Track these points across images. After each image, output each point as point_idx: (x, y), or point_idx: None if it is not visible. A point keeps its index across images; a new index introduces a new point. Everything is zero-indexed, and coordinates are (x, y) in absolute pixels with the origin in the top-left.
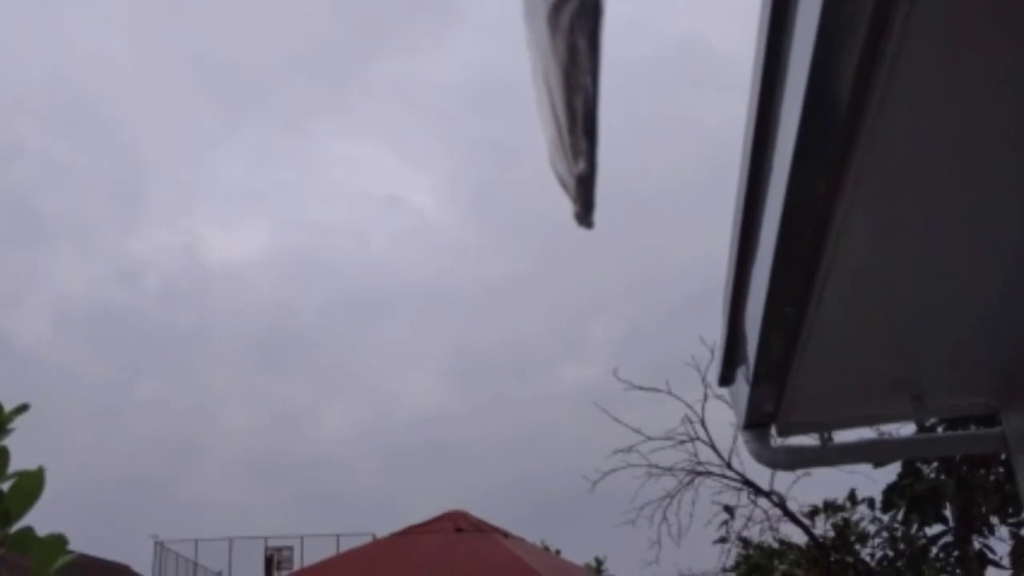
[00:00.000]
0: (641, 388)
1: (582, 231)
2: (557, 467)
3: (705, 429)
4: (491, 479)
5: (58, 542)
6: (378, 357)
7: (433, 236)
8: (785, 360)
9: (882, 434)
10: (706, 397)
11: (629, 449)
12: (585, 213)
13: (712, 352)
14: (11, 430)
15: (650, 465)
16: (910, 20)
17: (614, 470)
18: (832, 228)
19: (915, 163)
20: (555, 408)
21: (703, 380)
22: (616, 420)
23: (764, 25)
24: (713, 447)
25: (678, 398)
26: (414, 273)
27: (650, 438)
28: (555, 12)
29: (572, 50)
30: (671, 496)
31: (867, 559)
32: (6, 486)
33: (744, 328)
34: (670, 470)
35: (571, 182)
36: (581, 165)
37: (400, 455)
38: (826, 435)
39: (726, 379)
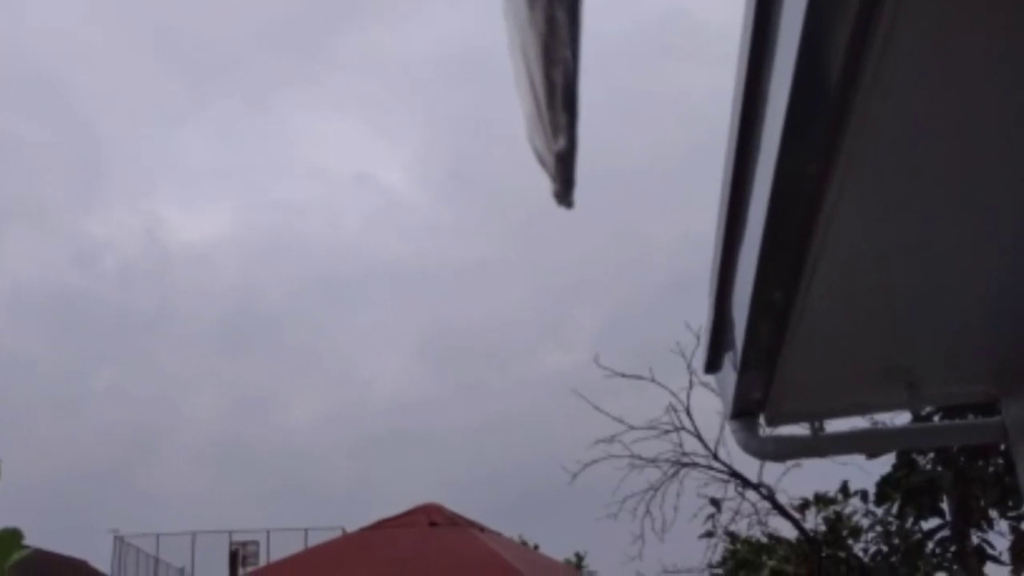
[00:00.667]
0: (624, 375)
1: (562, 210)
2: (536, 458)
3: (690, 418)
4: (467, 470)
5: (13, 537)
6: (349, 342)
7: (406, 215)
8: (774, 346)
9: (876, 423)
10: (691, 385)
11: (611, 439)
12: (565, 192)
13: (698, 338)
14: None
15: (633, 456)
16: None
17: (595, 461)
18: (823, 210)
19: (909, 145)
20: (534, 396)
21: (688, 367)
22: (597, 409)
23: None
24: (699, 437)
25: (662, 386)
26: (386, 253)
27: (633, 427)
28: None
29: (551, 22)
30: (655, 488)
31: (860, 554)
32: None
33: (731, 313)
34: (654, 461)
35: (550, 159)
36: (560, 141)
37: (371, 444)
38: (817, 424)
39: (712, 366)
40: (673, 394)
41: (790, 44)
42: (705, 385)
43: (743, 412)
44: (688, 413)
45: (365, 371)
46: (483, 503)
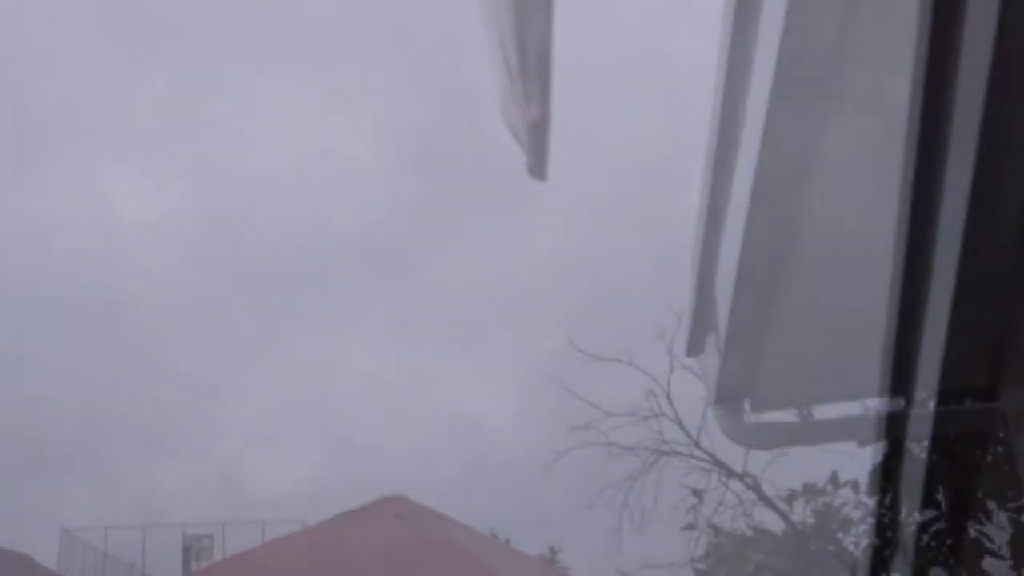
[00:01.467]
0: (601, 359)
1: (537, 185)
2: (508, 447)
3: (671, 404)
4: (435, 460)
5: None
6: (310, 322)
7: (368, 188)
8: (759, 325)
9: (867, 410)
10: (672, 369)
11: (587, 426)
12: (538, 164)
13: (679, 320)
14: None
15: (610, 444)
16: None
17: (571, 450)
18: (808, 187)
19: (894, 117)
20: (505, 380)
21: (669, 351)
22: (573, 394)
23: None
24: (680, 424)
25: (641, 370)
26: (348, 229)
27: (611, 414)
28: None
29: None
30: (633, 478)
31: (851, 548)
32: None
33: (714, 290)
34: (632, 450)
35: (523, 130)
36: (533, 110)
37: (335, 430)
38: (805, 411)
39: (694, 347)
40: (653, 379)
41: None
42: (687, 369)
43: (727, 397)
44: (669, 399)
45: (327, 353)
46: (452, 495)
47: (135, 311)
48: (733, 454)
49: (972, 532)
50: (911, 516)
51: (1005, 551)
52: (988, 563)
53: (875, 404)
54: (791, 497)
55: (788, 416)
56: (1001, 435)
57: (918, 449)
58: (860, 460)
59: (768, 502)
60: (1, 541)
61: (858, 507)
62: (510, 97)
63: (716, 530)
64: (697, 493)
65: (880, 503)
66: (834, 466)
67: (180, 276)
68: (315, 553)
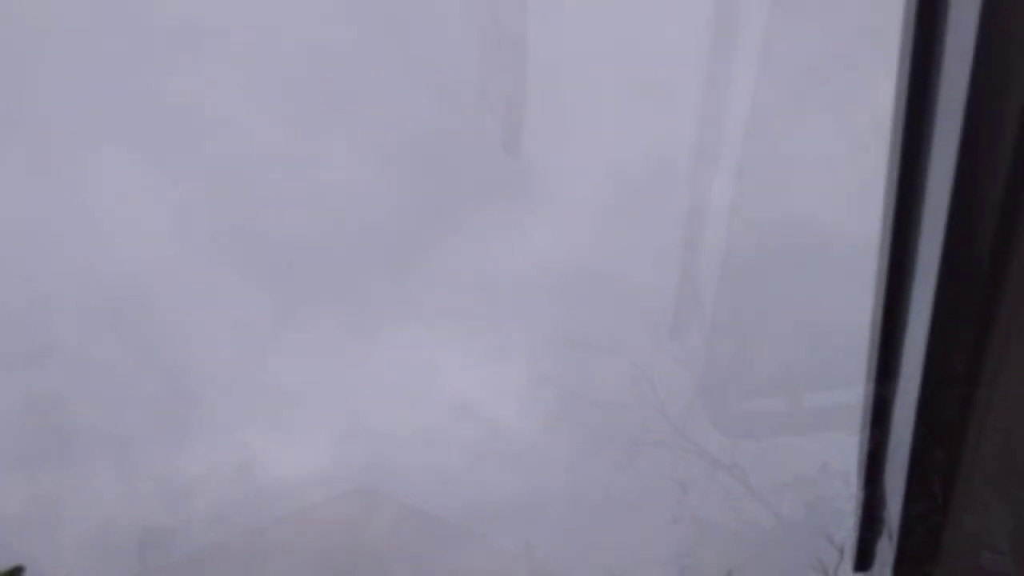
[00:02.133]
0: (585, 346)
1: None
2: (483, 432)
3: (655, 392)
4: (404, 449)
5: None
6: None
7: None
8: (746, 311)
9: (855, 397)
10: (656, 356)
11: (568, 416)
12: (512, 138)
13: (664, 305)
14: None
15: (592, 434)
16: None
17: (551, 440)
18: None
19: None
20: (504, 371)
21: (654, 337)
22: (554, 382)
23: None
24: (664, 413)
25: (624, 358)
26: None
27: (593, 403)
28: None
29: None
30: (615, 470)
31: (841, 540)
32: None
33: (700, 274)
34: (614, 440)
35: (500, 104)
36: (508, 82)
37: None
38: (794, 399)
39: (679, 331)
40: (636, 366)
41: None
42: (673, 357)
43: (714, 384)
44: (652, 387)
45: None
46: (423, 486)
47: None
48: (720, 444)
49: (964, 522)
50: (900, 506)
51: (1004, 546)
52: (986, 558)
53: (863, 391)
54: (780, 489)
55: (777, 404)
56: (988, 421)
57: (906, 436)
58: (850, 450)
59: (756, 494)
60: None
61: (849, 499)
62: (489, 71)
63: (702, 523)
64: (683, 485)
65: (870, 494)
66: (824, 456)
67: (199, 273)
68: (280, 547)
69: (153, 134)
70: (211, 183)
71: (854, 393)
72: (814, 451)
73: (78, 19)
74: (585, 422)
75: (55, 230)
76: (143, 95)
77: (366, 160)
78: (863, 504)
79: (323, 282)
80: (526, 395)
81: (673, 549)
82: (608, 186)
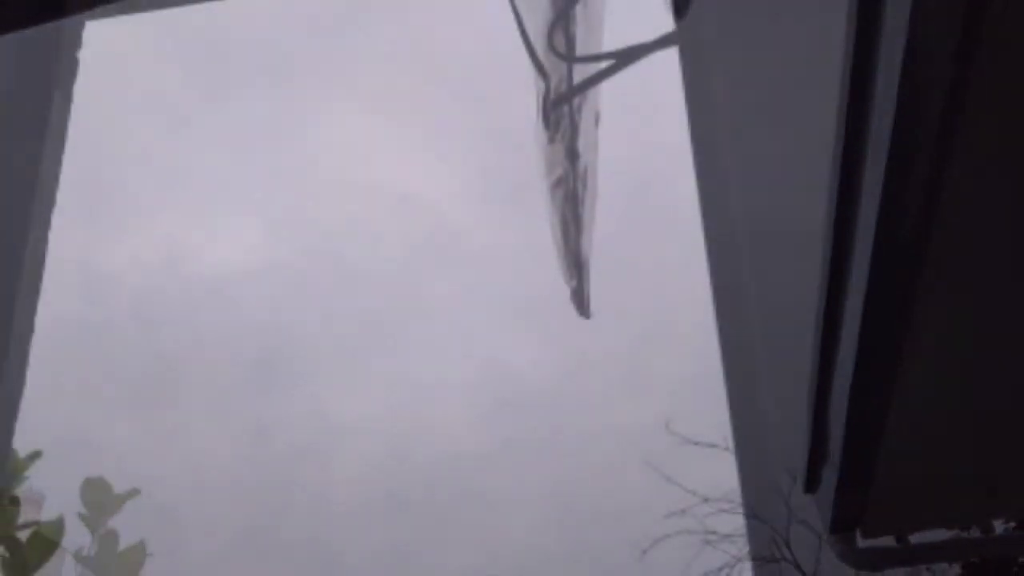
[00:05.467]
0: (696, 443)
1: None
2: (601, 527)
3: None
4: (523, 540)
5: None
6: (390, 386)
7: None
8: (871, 462)
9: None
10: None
11: (683, 512)
12: (580, 309)
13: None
14: (26, 478)
15: (706, 531)
16: None
17: (667, 536)
18: (914, 314)
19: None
20: (600, 457)
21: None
22: (669, 480)
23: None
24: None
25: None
26: (435, 285)
27: (707, 500)
28: (553, 188)
29: (562, 215)
30: (730, 567)
31: None
32: (23, 535)
33: (829, 427)
34: (729, 537)
35: (568, 288)
36: (573, 282)
37: (412, 504)
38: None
39: (812, 485)
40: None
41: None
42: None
43: (840, 526)
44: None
45: (409, 420)
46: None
47: None
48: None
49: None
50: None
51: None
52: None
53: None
54: None
55: (890, 541)
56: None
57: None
58: None
59: None
60: None
61: None
62: (562, 264)
63: None
64: None
65: (816, 422)
66: None
67: None
68: None
69: None
70: None
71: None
72: None
73: None
74: None
75: None
76: None
77: None
78: (811, 431)
79: None
80: None
81: None
82: None
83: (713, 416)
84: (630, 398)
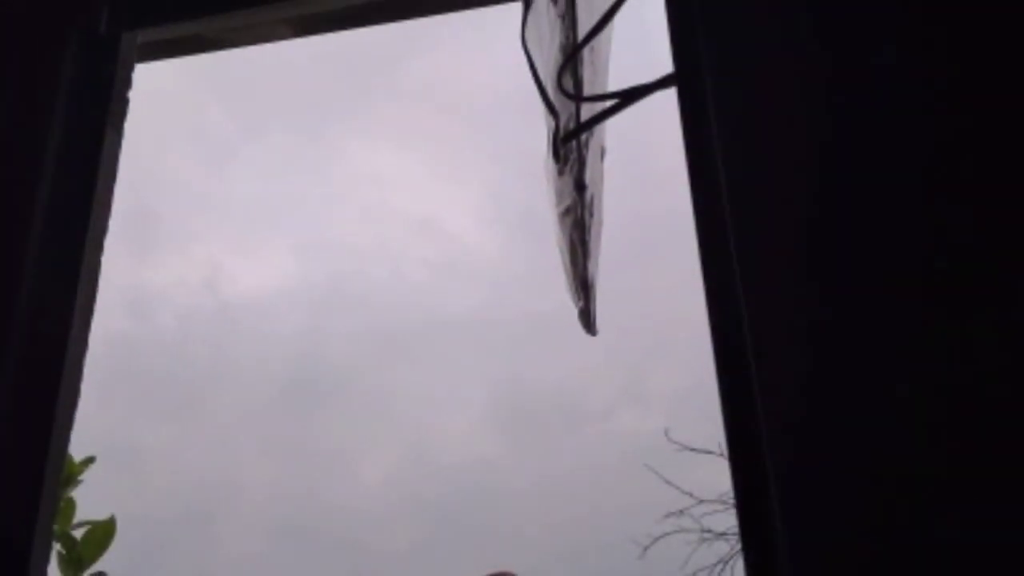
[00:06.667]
0: (693, 450)
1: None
2: (605, 527)
3: None
4: (536, 536)
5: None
6: (412, 400)
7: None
8: None
9: None
10: None
11: (681, 512)
12: (587, 329)
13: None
14: (80, 481)
15: (703, 530)
16: None
17: (666, 534)
18: None
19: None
20: (605, 462)
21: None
22: (668, 483)
23: None
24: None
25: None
26: (453, 305)
27: (703, 501)
28: (562, 216)
29: (571, 241)
30: (724, 562)
31: None
32: (79, 533)
33: None
34: (723, 535)
35: (576, 308)
36: (580, 304)
37: (436, 506)
38: None
39: None
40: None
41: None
42: None
43: None
44: None
45: (429, 431)
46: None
47: None
48: None
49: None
50: None
51: None
52: None
53: None
54: None
55: None
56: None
57: None
58: None
59: None
60: None
61: None
62: (568, 287)
63: None
64: None
65: None
66: None
67: None
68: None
69: None
70: None
71: None
72: None
73: None
74: None
75: None
76: None
77: None
78: None
79: None
80: None
81: None
82: None
83: (707, 424)
84: (632, 407)
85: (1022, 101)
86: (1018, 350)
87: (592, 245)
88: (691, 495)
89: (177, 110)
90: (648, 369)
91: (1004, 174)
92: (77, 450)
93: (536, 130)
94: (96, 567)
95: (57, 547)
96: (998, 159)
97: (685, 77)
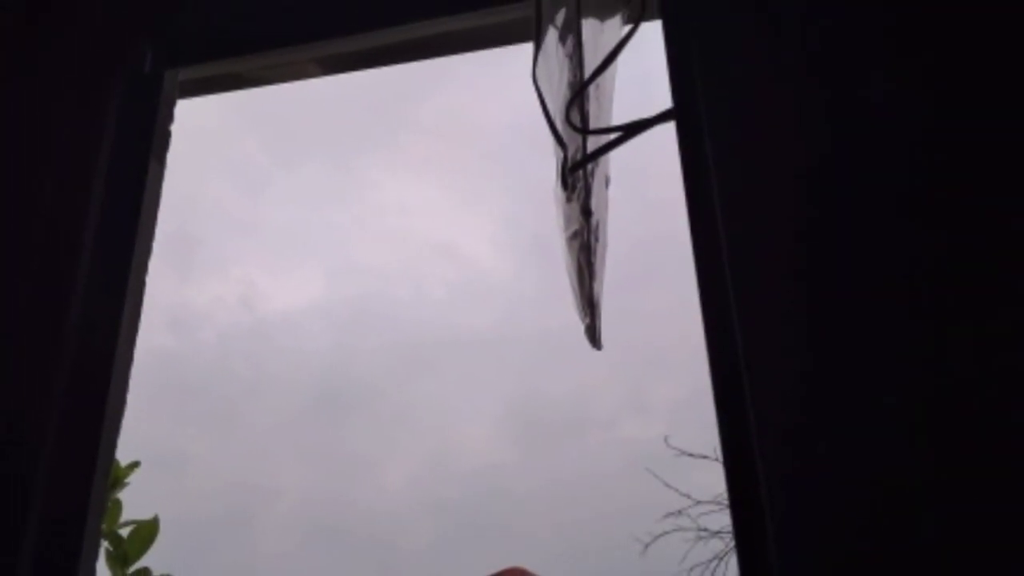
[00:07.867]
0: (690, 455)
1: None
2: (610, 527)
3: None
4: (545, 536)
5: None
6: (432, 410)
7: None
8: None
9: None
10: None
11: (679, 513)
12: (593, 344)
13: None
14: (127, 484)
15: (699, 529)
16: None
17: (665, 533)
18: None
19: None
20: (609, 467)
21: None
22: (667, 485)
23: None
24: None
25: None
26: (470, 323)
27: (699, 502)
28: (570, 240)
29: (578, 263)
30: (719, 558)
31: None
32: (125, 532)
33: None
34: (718, 533)
35: (582, 325)
36: (586, 321)
37: (451, 509)
38: None
39: None
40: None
41: None
42: None
43: None
44: None
45: (448, 438)
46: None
47: None
48: None
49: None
50: None
51: None
52: None
53: None
54: None
55: None
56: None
57: None
58: None
59: None
60: None
61: None
62: (575, 303)
63: None
64: None
65: None
66: None
67: None
68: None
69: None
70: None
71: None
72: None
73: None
74: None
75: None
76: None
77: None
78: None
79: None
80: None
81: None
82: None
83: (704, 431)
84: (634, 416)
85: (1002, 125)
86: (1008, 357)
87: (598, 267)
88: (689, 496)
89: (215, 143)
90: (649, 381)
91: (984, 192)
92: (124, 455)
93: (546, 161)
94: (140, 563)
95: (105, 544)
96: (978, 179)
97: (684, 111)
